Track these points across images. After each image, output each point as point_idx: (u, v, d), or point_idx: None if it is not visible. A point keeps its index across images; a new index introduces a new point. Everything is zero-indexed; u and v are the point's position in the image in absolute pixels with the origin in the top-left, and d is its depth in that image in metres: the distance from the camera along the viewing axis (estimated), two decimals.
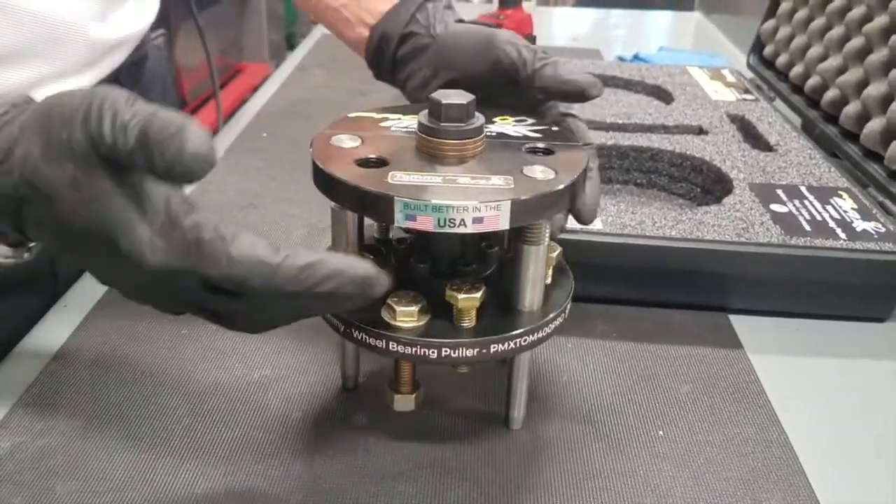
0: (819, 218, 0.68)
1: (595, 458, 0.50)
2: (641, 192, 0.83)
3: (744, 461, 0.50)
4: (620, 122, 0.88)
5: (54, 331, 0.59)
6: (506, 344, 0.45)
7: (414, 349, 0.44)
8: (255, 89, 1.27)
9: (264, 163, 0.89)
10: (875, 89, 0.80)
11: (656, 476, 0.49)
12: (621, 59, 1.31)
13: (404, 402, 0.49)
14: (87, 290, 0.64)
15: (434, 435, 0.51)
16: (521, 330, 0.45)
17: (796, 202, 0.70)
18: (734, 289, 0.65)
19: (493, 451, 0.50)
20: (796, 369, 0.60)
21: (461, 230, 0.41)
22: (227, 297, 0.38)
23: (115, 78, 0.70)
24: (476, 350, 0.45)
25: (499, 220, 0.41)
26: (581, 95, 0.52)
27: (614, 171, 0.83)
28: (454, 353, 0.44)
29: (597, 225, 0.65)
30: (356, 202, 0.43)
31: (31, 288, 0.64)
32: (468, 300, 0.44)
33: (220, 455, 0.49)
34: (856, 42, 0.87)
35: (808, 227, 0.66)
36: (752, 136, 0.87)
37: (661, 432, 0.52)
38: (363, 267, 0.37)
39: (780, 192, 0.72)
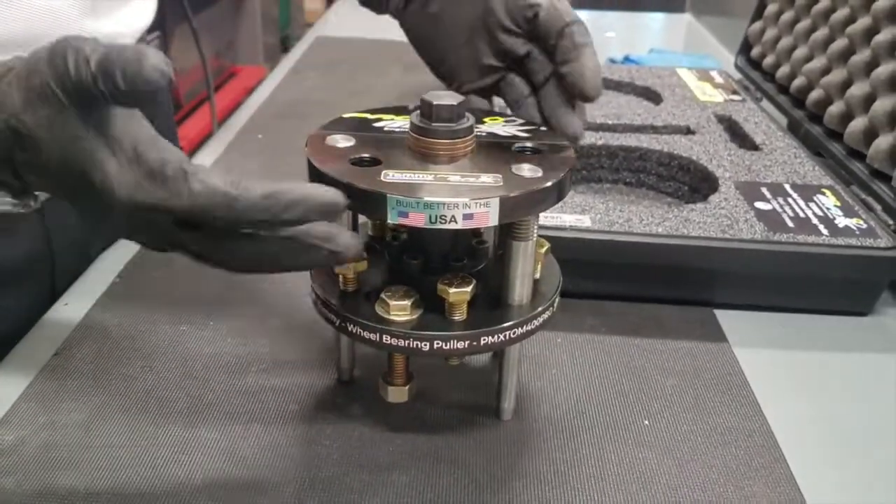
0: (802, 215, 0.69)
1: (583, 446, 0.51)
2: (630, 190, 0.84)
3: (727, 450, 0.52)
4: (610, 122, 0.89)
5: (56, 327, 0.61)
6: (496, 336, 0.47)
7: (407, 342, 0.46)
8: (249, 92, 1.28)
9: (260, 165, 0.90)
10: (858, 89, 0.82)
11: (642, 464, 0.50)
12: (612, 60, 1.32)
13: (398, 394, 0.50)
14: (88, 288, 0.66)
15: (427, 426, 0.52)
16: (510, 323, 0.47)
17: (780, 200, 0.72)
18: (719, 284, 0.67)
19: (484, 440, 0.51)
20: (779, 362, 0.62)
21: (452, 226, 0.43)
22: (198, 234, 0.40)
23: None
24: (467, 342, 0.46)
25: (488, 216, 0.43)
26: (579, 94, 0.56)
27: (604, 170, 0.85)
28: (446, 345, 0.46)
29: (585, 222, 0.66)
30: (351, 200, 0.44)
31: (29, 283, 0.65)
32: (459, 294, 0.46)
33: (220, 446, 0.50)
34: (840, 43, 0.88)
35: (791, 224, 0.68)
36: (738, 136, 0.88)
37: (646, 422, 0.54)
38: (326, 191, 0.40)
39: (764, 190, 0.74)
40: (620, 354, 0.61)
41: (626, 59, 1.31)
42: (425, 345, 0.46)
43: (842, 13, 0.89)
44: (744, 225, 0.67)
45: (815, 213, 0.70)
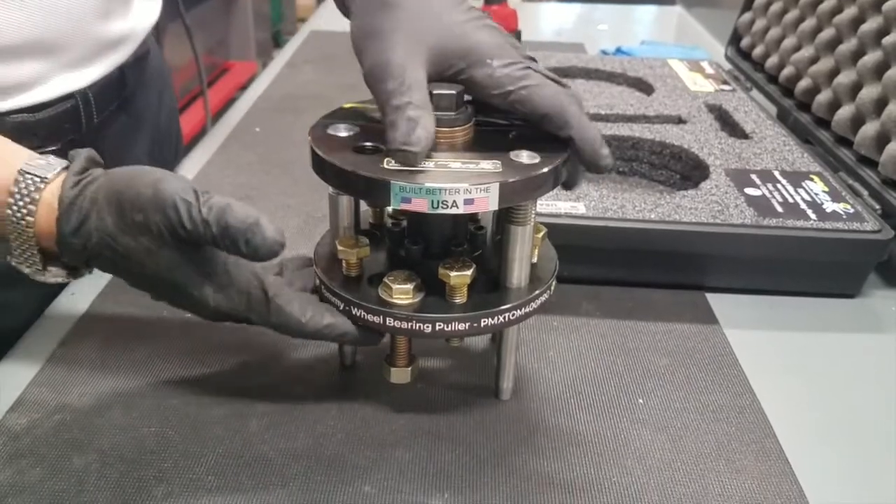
0: (791, 200, 0.71)
1: (579, 424, 0.53)
2: (623, 179, 0.86)
3: (719, 426, 0.53)
4: (603, 112, 0.91)
5: (63, 316, 0.62)
6: (495, 318, 0.48)
7: (409, 324, 0.47)
8: (242, 87, 1.29)
9: (258, 157, 0.92)
10: (845, 77, 0.84)
11: (636, 440, 0.52)
12: (604, 52, 1.34)
13: (400, 375, 0.52)
14: (94, 278, 0.67)
15: (428, 406, 0.54)
16: (509, 305, 0.49)
17: (769, 186, 0.73)
18: (710, 268, 0.69)
19: (484, 419, 0.53)
20: (769, 343, 0.63)
21: (453, 211, 0.44)
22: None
23: (120, 73, 0.72)
24: (467, 324, 0.48)
25: (488, 201, 0.44)
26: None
27: None
28: (447, 326, 0.47)
29: (580, 209, 0.68)
30: (354, 187, 0.46)
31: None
32: (460, 277, 0.47)
33: (227, 426, 0.51)
34: (827, 33, 0.90)
35: (780, 209, 0.69)
36: (728, 125, 0.90)
37: (640, 400, 0.55)
38: (353, 329, 0.49)
39: (754, 176, 0.75)
40: (615, 336, 0.62)
41: (618, 51, 1.33)
42: (427, 326, 0.47)
43: (829, 3, 0.91)
44: (734, 210, 0.69)
45: (803, 199, 0.71)
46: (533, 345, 0.61)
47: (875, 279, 0.71)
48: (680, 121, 0.90)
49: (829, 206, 0.70)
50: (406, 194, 0.44)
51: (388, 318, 0.48)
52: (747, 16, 1.14)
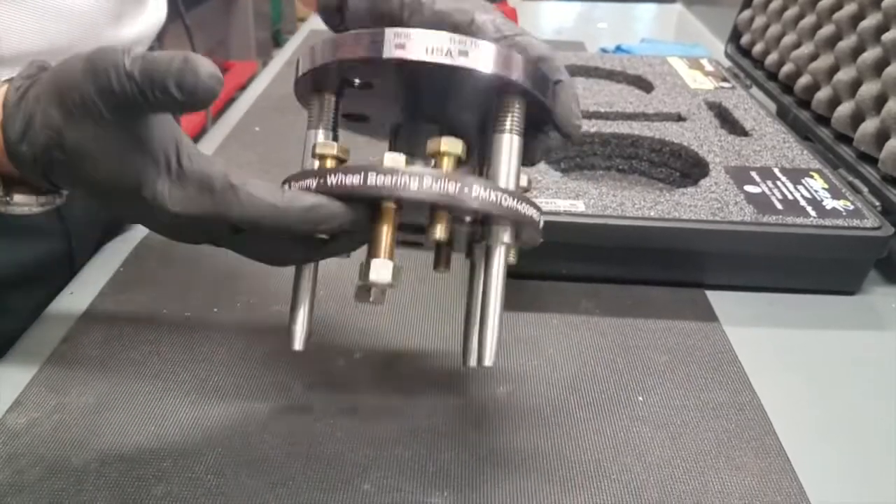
0: (791, 197, 0.71)
1: (578, 422, 0.53)
2: (623, 177, 0.86)
3: (718, 423, 0.53)
4: (603, 110, 0.91)
5: (62, 316, 0.62)
6: (487, 192, 0.41)
7: (394, 178, 0.41)
8: (243, 86, 1.29)
9: (258, 156, 0.92)
10: (845, 74, 0.84)
11: (636, 437, 0.52)
12: (604, 50, 1.34)
13: (381, 269, 0.42)
14: (93, 277, 0.67)
15: (426, 405, 0.54)
16: (500, 188, 0.43)
17: (769, 183, 0.73)
18: (710, 265, 0.69)
19: (483, 417, 0.53)
20: (769, 340, 0.63)
21: (447, 60, 0.41)
22: (241, 236, 0.43)
23: None
24: (457, 187, 0.41)
25: (480, 58, 0.42)
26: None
27: (597, 157, 0.86)
28: (436, 184, 0.41)
29: (579, 207, 0.68)
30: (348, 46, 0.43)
31: (47, 284, 0.66)
32: (452, 144, 0.43)
33: (225, 426, 0.51)
34: (826, 30, 0.90)
35: (780, 206, 0.69)
36: (728, 122, 0.90)
37: (640, 398, 0.55)
38: (351, 211, 0.41)
39: (753, 173, 0.75)
40: (614, 334, 0.62)
41: (618, 49, 1.33)
42: (414, 181, 0.41)
43: (828, 0, 0.91)
44: (734, 208, 0.69)
45: (803, 196, 0.71)
46: (532, 342, 0.61)
47: (875, 276, 0.71)
48: (679, 118, 0.90)
49: (829, 203, 0.70)
50: (401, 40, 0.41)
51: (370, 175, 0.41)
52: (747, 13, 1.14)
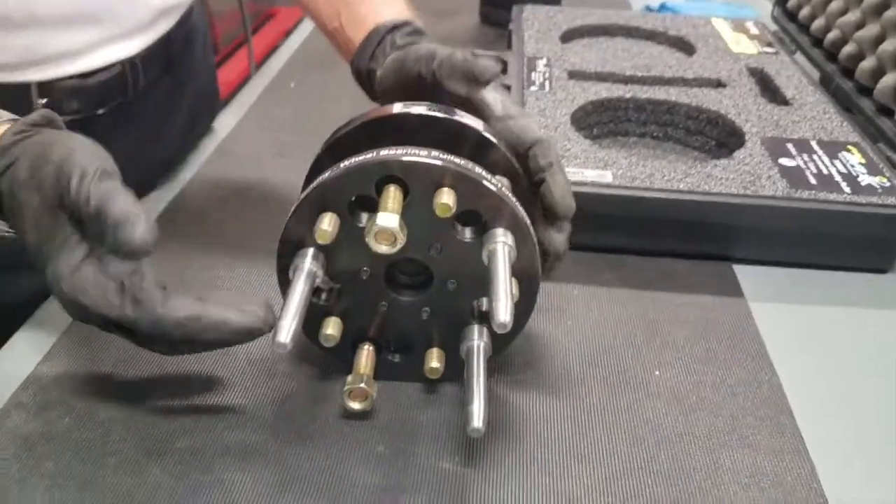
0: (826, 172, 0.70)
1: (594, 394, 0.53)
2: (657, 144, 0.85)
3: (734, 400, 0.53)
4: (640, 74, 0.90)
5: None
6: None
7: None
8: (287, 34, 1.29)
9: (293, 113, 0.92)
10: (890, 45, 0.81)
11: (650, 411, 0.52)
12: (648, 8, 1.31)
13: (388, 218, 0.45)
14: None
15: (441, 379, 0.54)
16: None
17: (805, 156, 0.72)
18: (738, 239, 0.68)
19: (498, 386, 0.53)
20: (794, 317, 0.63)
21: None
22: (128, 335, 0.46)
23: (167, 38, 0.73)
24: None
25: None
26: (474, 78, 0.54)
27: (631, 123, 0.85)
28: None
29: (607, 178, 0.68)
30: None
31: None
32: None
33: (250, 381, 0.53)
34: None
35: (813, 181, 0.68)
36: (769, 90, 0.88)
37: (657, 372, 0.55)
38: (246, 317, 0.45)
39: (790, 146, 0.74)
40: (636, 307, 0.62)
41: (663, 7, 1.30)
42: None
43: None
44: (766, 181, 0.68)
45: (838, 171, 0.70)
46: (551, 313, 0.61)
47: None
48: (719, 84, 0.89)
49: (865, 180, 0.68)
50: None
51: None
52: None
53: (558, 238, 0.54)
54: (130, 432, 0.49)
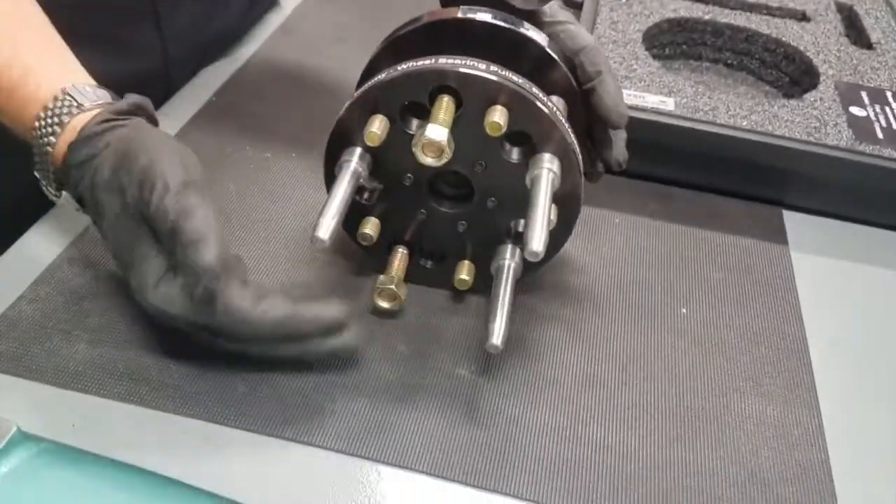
0: (895, 127, 0.67)
1: (616, 324, 0.54)
2: (730, 73, 0.82)
3: (756, 348, 0.54)
4: None
5: None
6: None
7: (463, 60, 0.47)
8: None
9: (351, 19, 0.89)
10: None
11: (668, 348, 0.53)
12: None
13: (437, 130, 0.45)
14: (183, 105, 0.70)
15: (469, 291, 0.55)
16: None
17: (877, 107, 0.69)
18: (792, 185, 0.66)
19: (520, 302, 0.54)
20: (834, 272, 0.62)
21: None
22: (220, 339, 0.45)
23: None
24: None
25: None
26: None
27: (706, 47, 0.83)
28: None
29: (669, 106, 0.66)
30: None
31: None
32: None
33: (285, 279, 0.55)
34: None
35: (880, 135, 0.66)
36: (854, 29, 0.84)
37: (684, 310, 0.56)
38: (332, 311, 0.45)
39: (864, 94, 0.71)
40: (675, 242, 0.62)
41: None
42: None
43: None
44: (831, 130, 0.66)
45: None
46: (588, 238, 0.61)
47: None
48: (804, 17, 0.85)
49: None
50: None
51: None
52: None
53: (617, 146, 0.54)
54: None
